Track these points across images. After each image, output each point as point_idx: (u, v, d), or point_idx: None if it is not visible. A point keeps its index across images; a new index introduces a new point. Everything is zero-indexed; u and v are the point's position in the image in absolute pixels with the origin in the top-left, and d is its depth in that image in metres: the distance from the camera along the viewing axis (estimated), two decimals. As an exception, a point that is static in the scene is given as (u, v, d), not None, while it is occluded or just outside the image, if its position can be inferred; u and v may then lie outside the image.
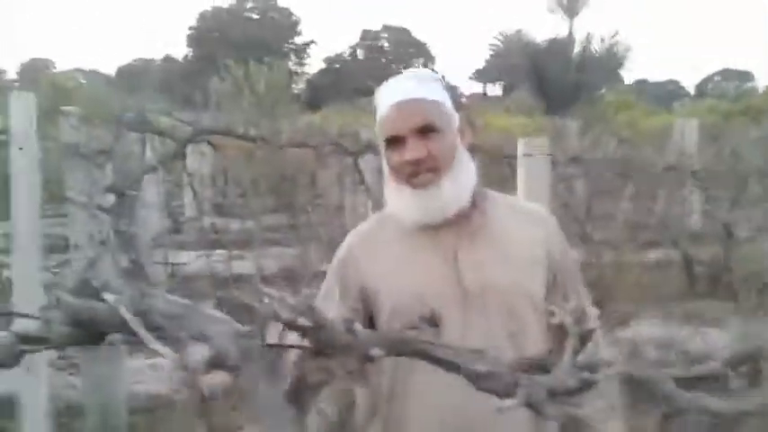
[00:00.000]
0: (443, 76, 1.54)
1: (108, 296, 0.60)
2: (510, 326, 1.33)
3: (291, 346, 0.61)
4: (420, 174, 1.32)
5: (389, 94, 1.38)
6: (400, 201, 1.37)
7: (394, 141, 1.34)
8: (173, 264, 6.64)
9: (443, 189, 1.33)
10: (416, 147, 1.31)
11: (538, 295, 1.39)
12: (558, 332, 0.72)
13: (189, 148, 5.85)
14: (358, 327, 0.64)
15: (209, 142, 3.42)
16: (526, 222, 1.44)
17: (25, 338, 0.68)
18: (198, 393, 0.72)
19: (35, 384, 2.79)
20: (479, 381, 0.63)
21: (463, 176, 1.36)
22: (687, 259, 6.09)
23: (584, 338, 0.66)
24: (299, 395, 0.61)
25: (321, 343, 0.61)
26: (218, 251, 5.73)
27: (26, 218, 2.53)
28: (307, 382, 0.62)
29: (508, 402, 0.59)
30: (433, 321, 0.69)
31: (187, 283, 6.65)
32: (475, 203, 1.39)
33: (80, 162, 3.29)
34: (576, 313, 0.68)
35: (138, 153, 4.59)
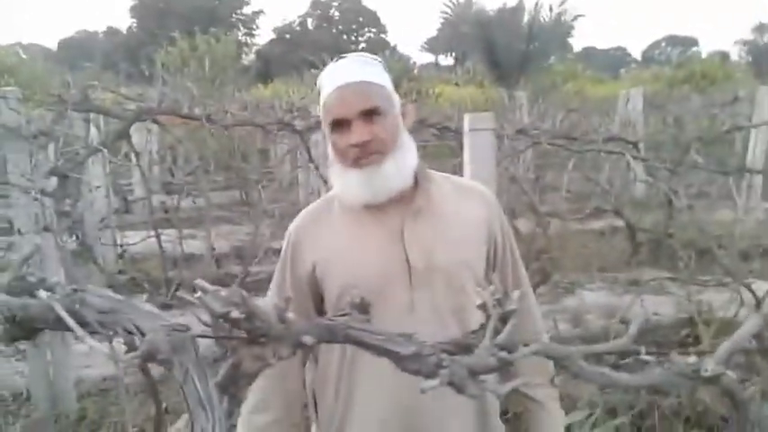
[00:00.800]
0: (392, 49, 1.56)
1: (42, 293, 0.61)
2: (455, 302, 1.38)
3: (223, 337, 0.63)
4: (365, 156, 1.35)
5: (333, 78, 1.39)
6: (345, 182, 1.39)
7: (339, 124, 1.36)
8: (121, 245, 6.55)
9: (387, 169, 1.36)
10: (362, 130, 1.34)
11: (480, 272, 1.44)
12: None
13: (135, 126, 5.75)
14: (290, 315, 0.67)
15: (154, 120, 3.36)
16: (469, 201, 1.49)
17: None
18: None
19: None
20: (405, 362, 0.67)
21: (406, 157, 1.40)
22: (630, 227, 6.27)
23: (505, 319, 0.70)
24: (233, 384, 0.63)
25: (254, 332, 0.64)
26: (168, 231, 5.67)
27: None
28: (241, 370, 0.65)
29: (431, 382, 0.63)
30: (363, 308, 0.72)
31: (136, 263, 6.57)
32: (418, 183, 1.43)
33: (21, 144, 3.21)
34: (496, 294, 0.72)
35: (82, 133, 4.49)
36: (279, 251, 1.53)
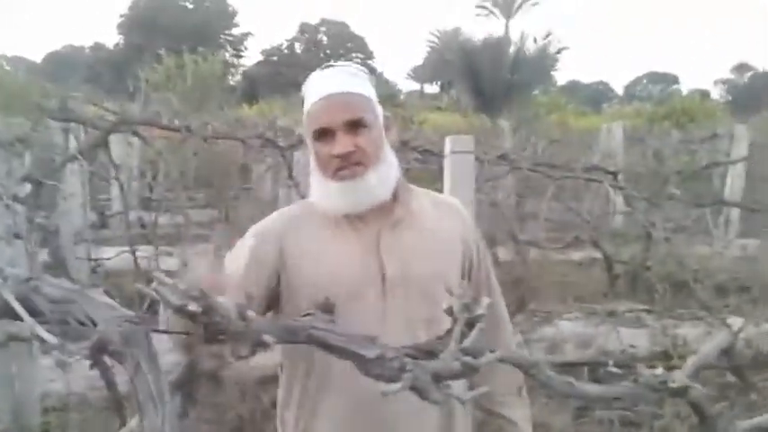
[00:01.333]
0: (371, 70, 1.57)
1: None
2: (428, 313, 1.37)
3: (179, 333, 0.61)
4: (347, 167, 1.34)
5: (319, 87, 1.39)
6: (325, 192, 1.39)
7: (323, 134, 1.36)
8: (95, 259, 6.45)
9: (368, 181, 1.36)
10: (345, 141, 1.34)
11: (454, 283, 1.43)
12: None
13: (115, 139, 5.69)
14: (251, 313, 0.65)
15: (135, 133, 3.33)
16: (444, 214, 1.50)
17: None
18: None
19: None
20: (368, 366, 0.65)
21: (387, 170, 1.40)
22: (607, 259, 6.31)
23: (472, 324, 0.68)
24: (189, 383, 0.61)
25: (212, 329, 0.62)
26: (144, 247, 5.60)
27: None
28: (198, 368, 0.63)
29: (393, 386, 0.62)
30: (328, 308, 0.70)
31: (110, 278, 6.47)
32: (397, 196, 1.43)
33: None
34: (464, 299, 0.70)
35: (60, 143, 4.44)
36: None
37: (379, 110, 1.43)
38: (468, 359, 0.63)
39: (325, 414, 1.39)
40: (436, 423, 1.42)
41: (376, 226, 1.39)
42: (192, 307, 0.59)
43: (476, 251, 1.51)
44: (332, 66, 1.43)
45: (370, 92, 1.41)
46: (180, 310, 0.59)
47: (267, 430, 3.73)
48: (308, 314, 0.69)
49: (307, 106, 1.40)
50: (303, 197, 4.30)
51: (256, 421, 3.86)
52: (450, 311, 0.69)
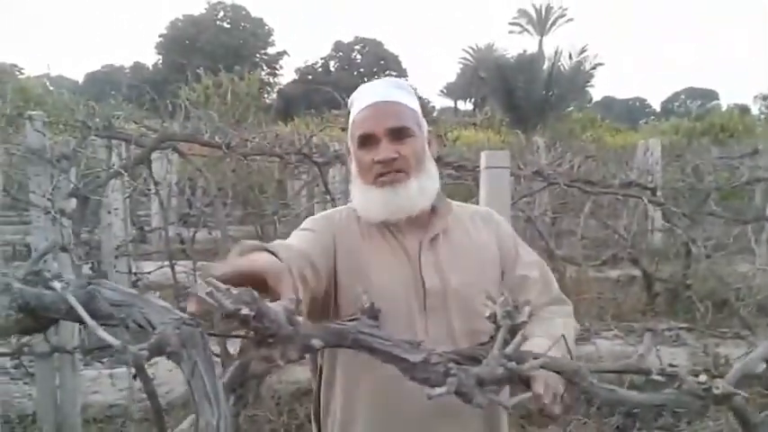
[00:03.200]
0: (415, 88, 1.61)
1: (56, 283, 0.62)
2: (468, 325, 1.38)
3: (233, 336, 0.64)
4: (388, 173, 1.37)
5: (366, 96, 1.44)
6: (365, 198, 1.41)
7: (367, 141, 1.39)
8: (136, 273, 6.57)
9: (409, 189, 1.38)
10: (389, 148, 1.37)
11: (494, 294, 1.44)
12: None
13: (155, 156, 5.81)
14: (299, 318, 0.67)
15: (175, 149, 3.41)
16: (480, 225, 1.52)
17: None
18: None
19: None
20: (413, 371, 0.66)
21: (427, 180, 1.43)
22: (647, 276, 6.20)
23: (515, 331, 0.69)
24: (241, 385, 0.63)
25: (262, 332, 0.64)
26: (182, 262, 5.69)
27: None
28: (249, 371, 0.65)
29: (438, 390, 0.63)
30: (373, 314, 0.72)
31: (150, 291, 6.59)
32: (435, 209, 1.45)
33: (43, 166, 3.27)
34: (505, 306, 0.72)
35: (104, 159, 4.56)
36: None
37: (423, 123, 1.46)
38: (512, 365, 0.64)
39: (363, 416, 1.39)
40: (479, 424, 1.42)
41: (415, 240, 1.41)
42: (245, 311, 0.61)
43: (510, 256, 1.52)
44: (379, 79, 1.50)
45: (414, 104, 1.45)
46: (233, 315, 0.61)
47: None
48: (354, 319, 0.71)
49: (353, 114, 1.44)
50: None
51: (291, 433, 3.89)
52: (492, 318, 0.70)
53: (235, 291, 0.63)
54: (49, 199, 3.03)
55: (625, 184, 4.48)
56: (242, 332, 0.64)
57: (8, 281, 0.60)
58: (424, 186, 1.41)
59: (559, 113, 27.79)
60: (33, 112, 3.40)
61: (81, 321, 0.60)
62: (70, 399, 3.88)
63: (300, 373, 4.34)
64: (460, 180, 5.17)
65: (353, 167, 1.46)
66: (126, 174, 3.04)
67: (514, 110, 27.69)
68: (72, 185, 3.24)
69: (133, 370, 0.70)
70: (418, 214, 1.41)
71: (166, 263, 4.78)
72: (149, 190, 5.85)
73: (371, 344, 0.68)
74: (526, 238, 4.97)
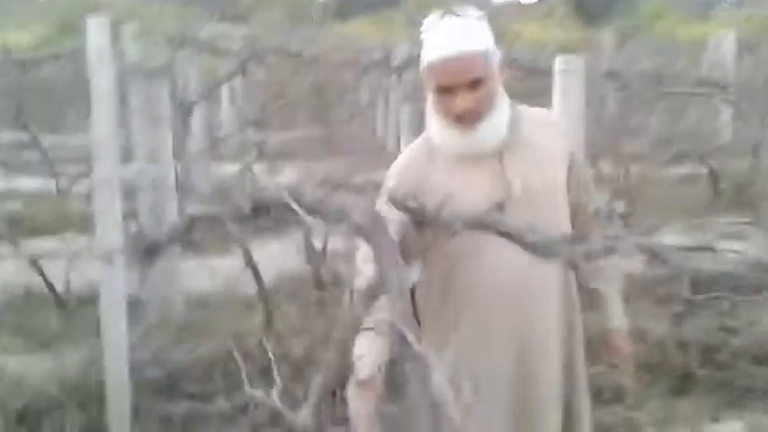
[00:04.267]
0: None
1: (273, 185, 0.86)
2: (552, 219, 1.59)
3: (412, 216, 0.87)
4: (466, 118, 1.54)
5: (439, 44, 1.53)
6: (446, 137, 1.61)
7: (444, 90, 1.54)
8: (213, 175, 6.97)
9: (485, 129, 1.57)
10: (465, 98, 1.52)
11: (564, 188, 1.69)
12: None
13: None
14: (445, 210, 0.90)
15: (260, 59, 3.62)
16: (550, 131, 1.72)
17: (200, 219, 0.96)
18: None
19: (114, 276, 3.05)
20: (532, 248, 0.89)
21: (500, 116, 1.59)
22: (713, 173, 6.22)
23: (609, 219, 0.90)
24: (405, 256, 0.87)
25: (421, 219, 0.87)
26: (257, 164, 6.01)
27: (105, 130, 2.78)
28: (410, 246, 0.89)
29: (556, 258, 0.85)
30: (500, 207, 0.94)
31: (226, 193, 6.96)
32: (510, 124, 1.62)
33: (141, 78, 3.52)
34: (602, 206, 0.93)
35: (193, 70, 4.81)
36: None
37: (495, 57, 1.58)
38: (609, 243, 0.85)
39: (467, 321, 1.65)
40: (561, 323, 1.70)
41: (497, 152, 1.61)
42: (412, 203, 0.84)
43: (575, 157, 1.75)
44: (450, 17, 1.54)
45: (486, 43, 1.56)
46: (404, 206, 0.84)
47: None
48: (486, 212, 0.93)
49: (427, 60, 1.55)
50: (412, 115, 4.49)
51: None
52: (597, 213, 0.92)
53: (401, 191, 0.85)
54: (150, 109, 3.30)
55: (697, 82, 4.48)
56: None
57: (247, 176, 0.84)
58: (498, 123, 1.58)
59: (628, 4, 26.51)
60: (129, 26, 3.63)
61: (294, 211, 0.84)
62: (171, 287, 4.25)
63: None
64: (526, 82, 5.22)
65: (430, 100, 1.61)
66: (229, 80, 3.27)
67: (581, 2, 26.53)
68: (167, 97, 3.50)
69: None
70: (496, 144, 1.60)
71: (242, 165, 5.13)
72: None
73: (501, 227, 0.90)
74: (595, 137, 5.04)
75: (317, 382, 0.94)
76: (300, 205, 0.84)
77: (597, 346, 1.94)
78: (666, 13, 25.76)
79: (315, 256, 0.91)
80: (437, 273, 1.67)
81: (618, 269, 1.81)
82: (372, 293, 0.86)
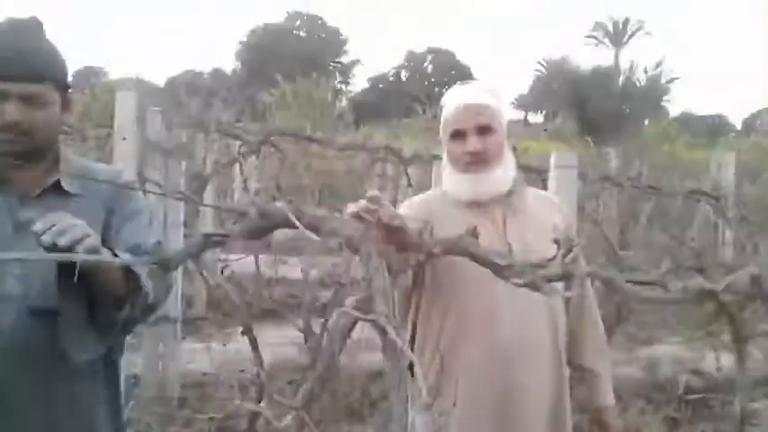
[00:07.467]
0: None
1: (279, 203, 0.98)
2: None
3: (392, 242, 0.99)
4: (475, 163, 1.73)
5: (458, 97, 1.81)
6: (457, 183, 1.80)
7: (457, 135, 1.76)
8: (224, 260, 7.10)
9: (492, 175, 1.76)
10: (475, 141, 1.74)
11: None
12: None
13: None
14: (426, 234, 1.02)
15: (273, 145, 3.85)
16: (549, 207, 1.91)
17: (211, 235, 1.08)
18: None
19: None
20: (501, 270, 1.00)
21: (507, 167, 1.80)
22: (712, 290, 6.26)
23: (570, 250, 1.02)
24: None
25: (402, 241, 0.99)
26: (263, 255, 6.16)
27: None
28: (391, 268, 1.00)
29: (518, 280, 0.96)
30: (475, 234, 1.05)
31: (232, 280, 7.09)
32: (513, 190, 1.80)
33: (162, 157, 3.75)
34: (565, 235, 1.05)
35: (202, 154, 5.07)
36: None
37: (505, 120, 1.82)
38: (568, 268, 0.97)
39: (462, 356, 1.73)
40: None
41: (500, 212, 1.75)
42: (397, 222, 0.97)
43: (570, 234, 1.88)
44: (469, 82, 1.89)
45: (498, 104, 1.82)
46: (386, 226, 0.97)
47: (372, 418, 4.12)
48: (461, 236, 1.05)
49: (445, 113, 1.81)
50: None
51: (365, 411, 4.26)
52: (557, 241, 1.03)
53: (390, 211, 0.98)
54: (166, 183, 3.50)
55: (692, 192, 4.67)
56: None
57: (253, 200, 0.97)
58: (504, 173, 1.79)
59: (634, 128, 27.46)
60: (154, 108, 3.90)
61: (295, 227, 0.96)
62: (171, 365, 4.35)
63: (373, 357, 4.73)
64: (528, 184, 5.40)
65: (444, 157, 1.84)
66: (244, 159, 3.48)
67: (587, 123, 27.53)
68: (183, 174, 3.71)
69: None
70: (500, 194, 1.75)
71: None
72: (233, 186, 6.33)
73: (474, 252, 1.02)
74: (592, 240, 5.19)
75: (305, 389, 1.03)
76: (301, 222, 0.96)
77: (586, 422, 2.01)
78: (673, 136, 26.59)
79: (314, 340, 1.01)
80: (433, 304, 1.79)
81: (607, 349, 1.93)
82: (358, 307, 0.97)
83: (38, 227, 1.20)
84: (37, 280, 1.42)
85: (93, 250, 1.23)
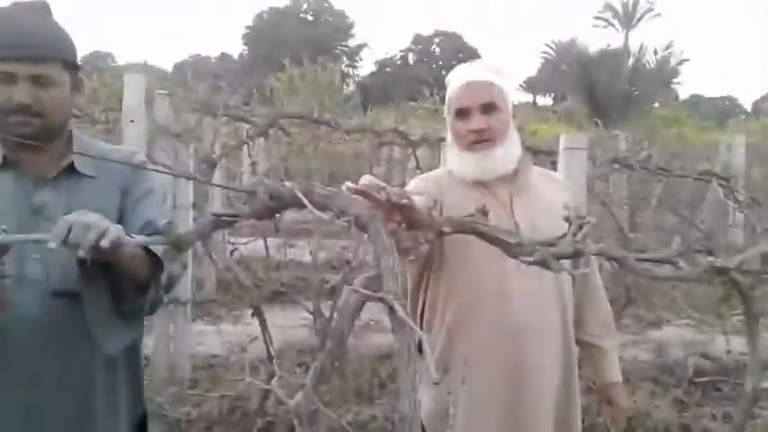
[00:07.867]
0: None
1: (288, 183, 0.98)
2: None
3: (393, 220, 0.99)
4: (479, 141, 1.70)
5: (462, 75, 1.77)
6: (462, 163, 1.77)
7: (461, 113, 1.74)
8: (233, 243, 7.13)
9: (496, 154, 1.74)
10: (480, 119, 1.71)
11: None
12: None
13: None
14: (435, 213, 1.01)
15: (281, 128, 3.84)
16: (555, 186, 1.89)
17: (221, 215, 1.08)
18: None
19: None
20: (510, 249, 1.00)
21: (512, 147, 1.77)
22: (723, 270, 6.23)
23: (581, 228, 1.01)
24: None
25: (412, 219, 0.99)
26: (270, 238, 6.20)
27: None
28: (400, 246, 1.00)
29: (527, 258, 0.96)
30: (485, 212, 1.05)
31: (241, 263, 7.13)
32: (520, 169, 1.77)
33: (168, 139, 3.75)
34: (576, 212, 1.04)
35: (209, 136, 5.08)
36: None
37: (510, 99, 1.79)
38: (578, 246, 0.96)
39: (470, 334, 1.73)
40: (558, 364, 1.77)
41: (507, 191, 1.74)
42: (404, 201, 0.96)
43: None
44: (475, 61, 1.86)
45: (502, 83, 1.79)
46: (395, 205, 0.96)
47: (381, 399, 4.15)
48: (470, 215, 1.04)
49: (449, 92, 1.78)
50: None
51: (374, 392, 4.28)
52: (567, 219, 1.02)
53: (397, 189, 0.98)
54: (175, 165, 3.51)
55: (702, 173, 4.64)
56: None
57: (262, 178, 0.97)
58: (509, 152, 1.76)
59: (643, 110, 27.26)
60: (161, 92, 3.90)
61: (304, 206, 0.96)
62: (181, 347, 4.39)
63: (382, 339, 4.75)
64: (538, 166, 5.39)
65: (449, 136, 1.81)
66: (252, 142, 3.48)
67: (596, 105, 27.33)
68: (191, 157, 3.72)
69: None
70: (506, 173, 1.74)
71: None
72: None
73: (483, 230, 1.01)
74: (601, 221, 5.17)
75: (316, 367, 1.03)
76: (310, 201, 0.96)
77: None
78: (682, 120, 26.43)
79: (323, 323, 1.02)
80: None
81: (614, 327, 1.92)
82: (367, 285, 0.97)
83: (53, 237, 1.16)
84: (57, 263, 1.42)
85: (116, 241, 1.21)
